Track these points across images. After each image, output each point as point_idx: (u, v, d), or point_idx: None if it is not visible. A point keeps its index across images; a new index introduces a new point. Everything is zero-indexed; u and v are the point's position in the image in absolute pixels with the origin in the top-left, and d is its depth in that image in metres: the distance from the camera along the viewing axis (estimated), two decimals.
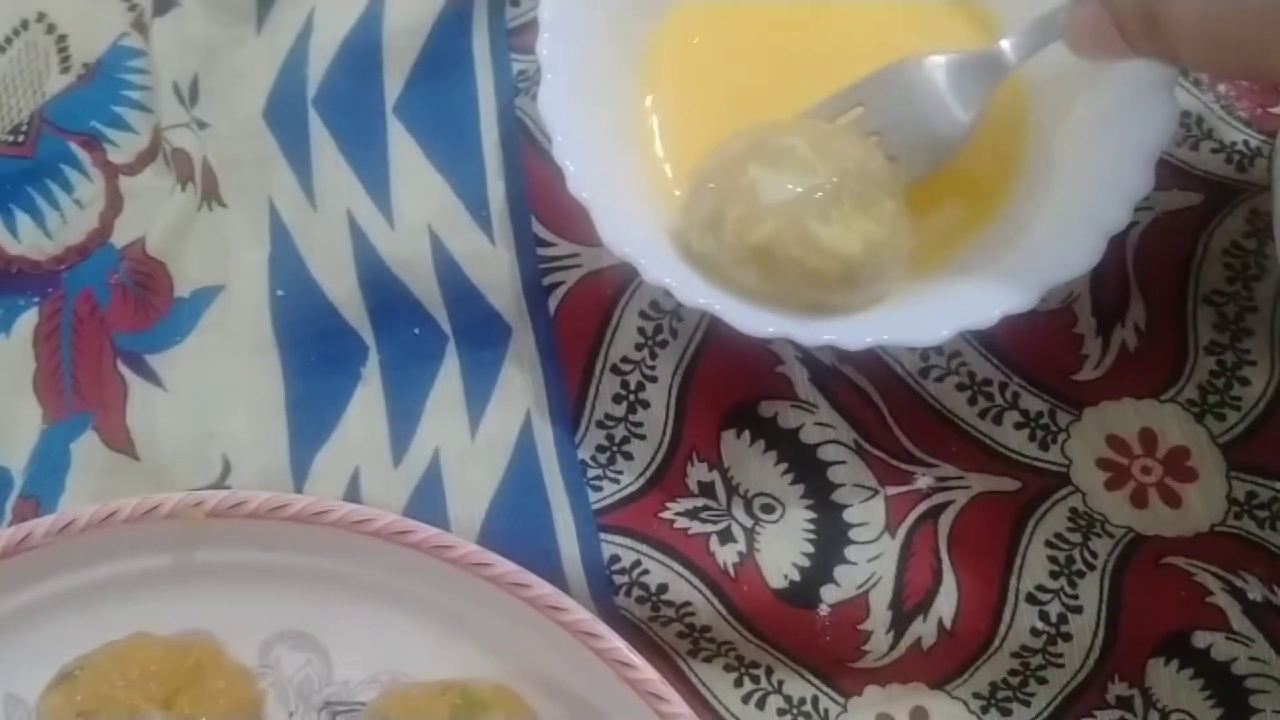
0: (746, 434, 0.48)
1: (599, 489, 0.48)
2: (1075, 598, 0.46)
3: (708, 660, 0.48)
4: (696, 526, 0.48)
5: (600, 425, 0.49)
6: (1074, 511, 0.47)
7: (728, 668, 0.48)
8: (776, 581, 0.47)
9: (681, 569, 0.47)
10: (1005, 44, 0.44)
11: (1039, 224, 0.44)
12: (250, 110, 0.54)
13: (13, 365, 0.53)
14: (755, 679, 0.48)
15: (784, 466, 0.48)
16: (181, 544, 0.48)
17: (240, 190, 0.54)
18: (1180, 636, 0.46)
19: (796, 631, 0.47)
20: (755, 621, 0.47)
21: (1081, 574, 0.47)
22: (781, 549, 0.47)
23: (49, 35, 0.57)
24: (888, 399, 0.49)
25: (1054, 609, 0.46)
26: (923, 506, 0.47)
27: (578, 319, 0.50)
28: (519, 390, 0.50)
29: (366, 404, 0.50)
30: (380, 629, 0.48)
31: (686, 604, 0.47)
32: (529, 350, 0.50)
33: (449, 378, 0.50)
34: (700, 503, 0.48)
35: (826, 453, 0.48)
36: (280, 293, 0.52)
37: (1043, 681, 0.47)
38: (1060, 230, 0.44)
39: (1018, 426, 0.48)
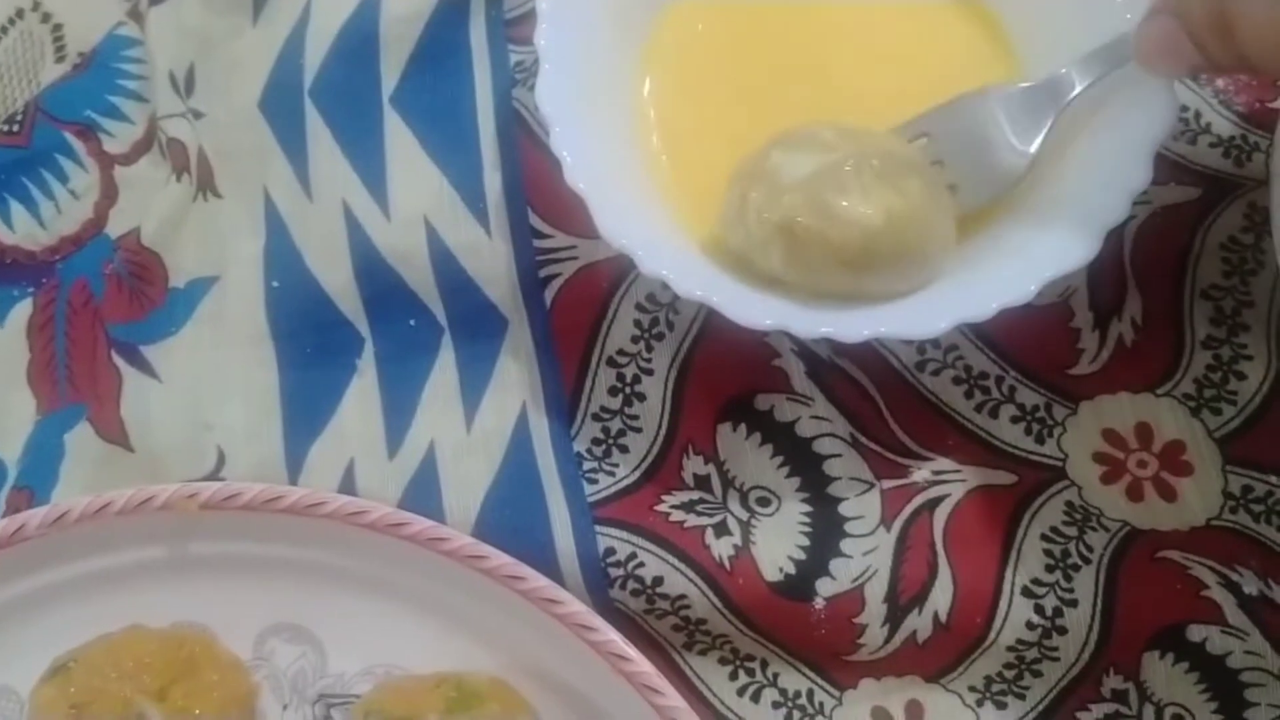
0: (743, 427, 0.48)
1: (594, 481, 0.48)
2: (1070, 591, 0.46)
3: (703, 653, 0.48)
4: (692, 519, 0.48)
5: (596, 418, 0.49)
6: (1070, 505, 0.47)
7: (723, 660, 0.48)
8: (772, 574, 0.46)
9: (677, 562, 0.47)
10: (1067, 73, 0.44)
11: (1036, 217, 0.44)
12: (246, 100, 0.54)
13: (7, 356, 0.53)
14: (750, 672, 0.48)
15: (780, 460, 0.48)
16: (176, 536, 0.48)
17: (236, 181, 0.54)
18: (1176, 630, 0.46)
19: (792, 624, 0.47)
20: (750, 614, 0.47)
21: (1077, 567, 0.47)
22: (777, 542, 0.47)
23: (44, 24, 0.57)
24: (884, 392, 0.48)
25: (1049, 602, 0.46)
26: (918, 500, 0.47)
27: (574, 311, 0.50)
28: (514, 382, 0.50)
29: (362, 396, 0.50)
30: (375, 621, 0.48)
31: (682, 597, 0.47)
32: (525, 342, 0.50)
33: (444, 370, 0.50)
34: (696, 495, 0.48)
35: (822, 446, 0.48)
36: (275, 284, 0.52)
37: (1038, 675, 0.47)
38: (1058, 224, 0.43)
39: (1014, 420, 0.48)
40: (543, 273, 0.50)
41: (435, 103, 0.53)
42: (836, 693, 0.48)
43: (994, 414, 0.48)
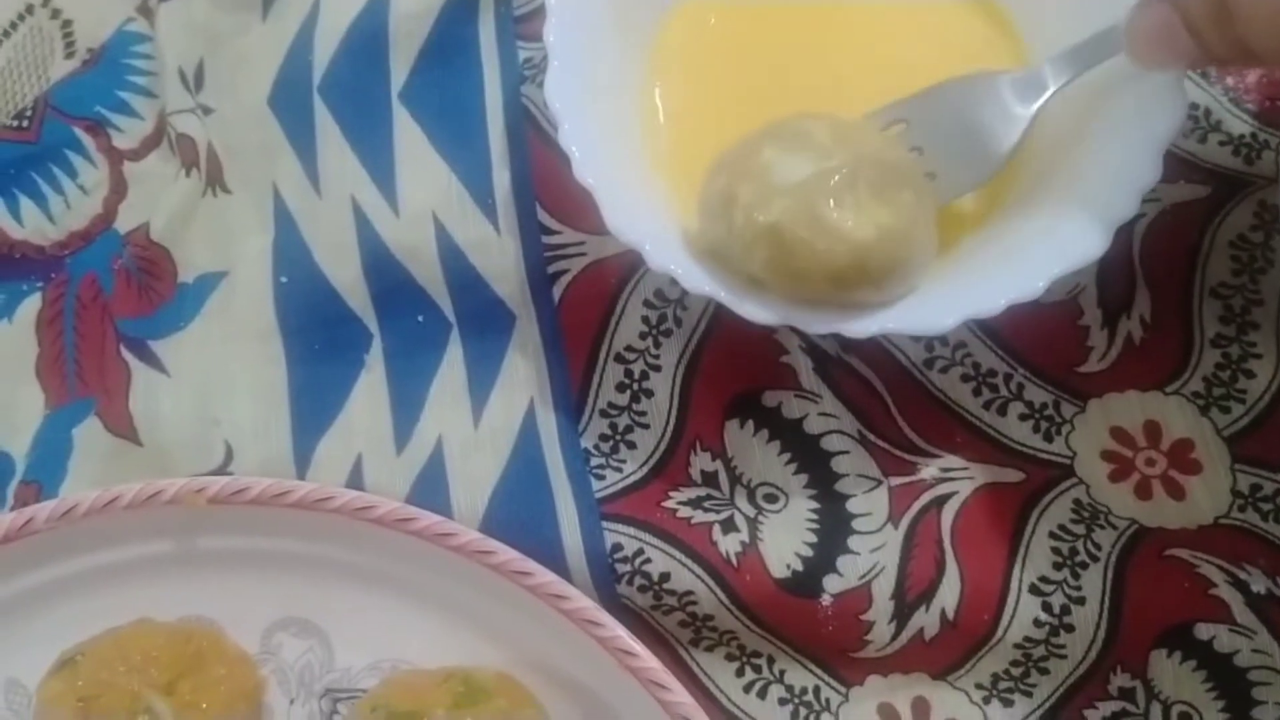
0: (750, 424, 0.48)
1: (602, 478, 0.48)
2: (1078, 589, 0.46)
3: (709, 649, 0.48)
4: (699, 516, 0.48)
5: (603, 414, 0.49)
6: (1078, 503, 0.47)
7: (729, 657, 0.48)
8: (779, 571, 0.46)
9: (684, 558, 0.47)
10: (1051, 64, 0.44)
11: (1046, 214, 0.44)
12: (255, 96, 0.54)
13: (16, 350, 0.53)
14: (757, 668, 0.48)
15: (787, 456, 0.48)
16: (183, 530, 0.48)
17: (245, 176, 0.54)
18: (1183, 628, 0.46)
19: (798, 621, 0.47)
20: (757, 611, 0.47)
21: (1085, 565, 0.46)
22: (784, 539, 0.47)
23: (54, 20, 0.57)
24: (892, 389, 0.48)
25: (1057, 600, 0.46)
26: (926, 497, 0.47)
27: (582, 307, 0.50)
28: (522, 378, 0.50)
29: (370, 391, 0.50)
30: (382, 616, 0.48)
31: (689, 593, 0.47)
32: (533, 338, 0.50)
33: (452, 365, 0.50)
34: (703, 492, 0.48)
35: (830, 443, 0.48)
36: (284, 279, 0.52)
37: (1045, 672, 0.47)
38: (1067, 220, 0.43)
39: (1022, 418, 0.48)
40: (551, 269, 0.50)
41: (444, 99, 0.53)
42: (843, 689, 0.48)
43: (1002, 411, 0.48)
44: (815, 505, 0.47)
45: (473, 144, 0.52)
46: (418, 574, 0.47)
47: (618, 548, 0.47)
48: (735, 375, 0.49)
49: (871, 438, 0.48)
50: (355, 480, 0.49)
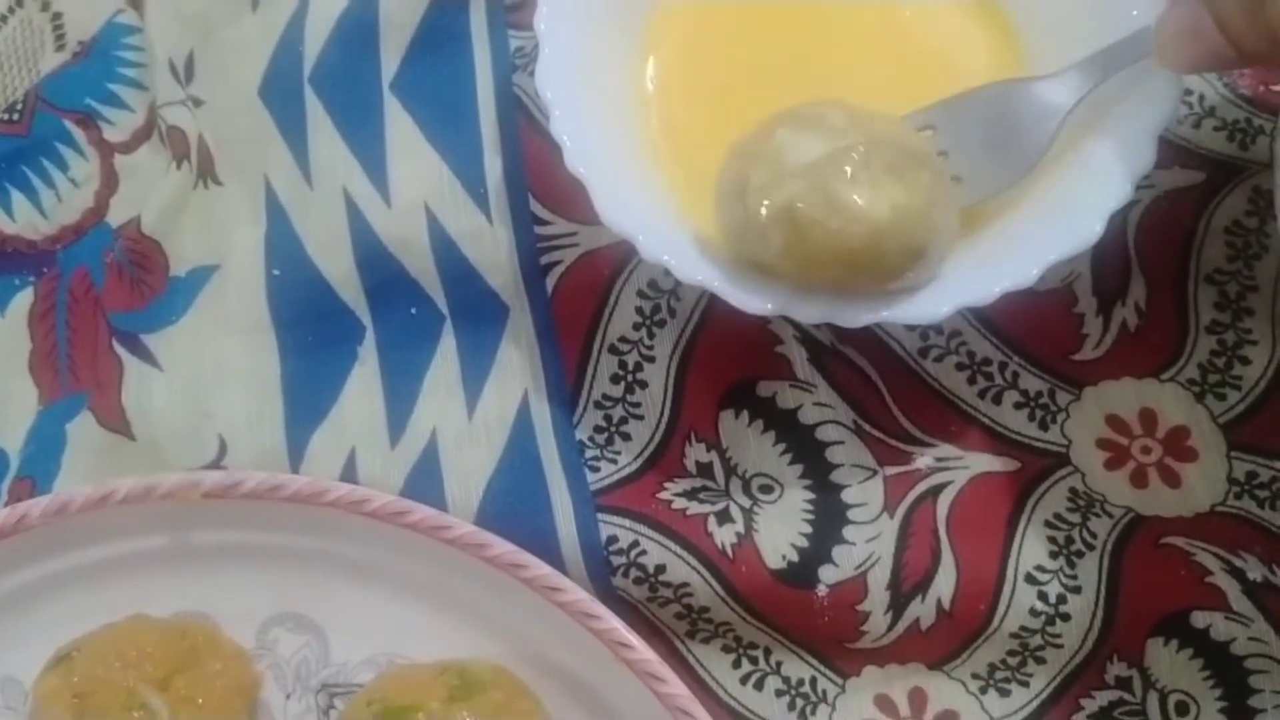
0: (745, 414, 0.48)
1: (597, 469, 0.48)
2: (1074, 578, 0.46)
3: (705, 641, 0.48)
4: (694, 507, 0.47)
5: (598, 405, 0.49)
6: (1073, 491, 0.47)
7: (726, 648, 0.48)
8: (774, 562, 0.46)
9: (679, 549, 0.47)
10: (1078, 69, 0.43)
11: (1039, 201, 0.44)
12: (246, 88, 0.54)
13: (8, 345, 0.53)
14: (753, 660, 0.48)
15: (782, 447, 0.48)
16: (178, 525, 0.48)
17: (236, 168, 0.54)
18: (1179, 616, 0.46)
19: (795, 612, 0.47)
20: (753, 602, 0.47)
21: (1081, 554, 0.46)
22: (780, 529, 0.47)
23: (44, 12, 0.57)
24: (887, 379, 0.48)
25: (1053, 589, 0.46)
26: (921, 486, 0.47)
27: (575, 298, 0.50)
28: (516, 370, 0.50)
29: (363, 384, 0.50)
30: (378, 610, 0.48)
31: (684, 584, 0.47)
32: (526, 330, 0.50)
33: (446, 357, 0.50)
34: (698, 483, 0.48)
35: (825, 433, 0.48)
36: (276, 272, 0.52)
37: (1041, 662, 0.47)
38: (1061, 207, 0.43)
39: (1017, 406, 0.48)
40: (544, 260, 0.50)
41: (436, 89, 0.53)
42: (840, 680, 0.48)
43: (997, 400, 0.48)
44: (810, 496, 0.47)
45: (464, 134, 0.52)
46: (413, 567, 0.47)
47: (613, 540, 0.47)
48: (730, 366, 0.49)
49: (866, 427, 0.48)
50: (349, 473, 0.49)
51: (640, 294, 0.49)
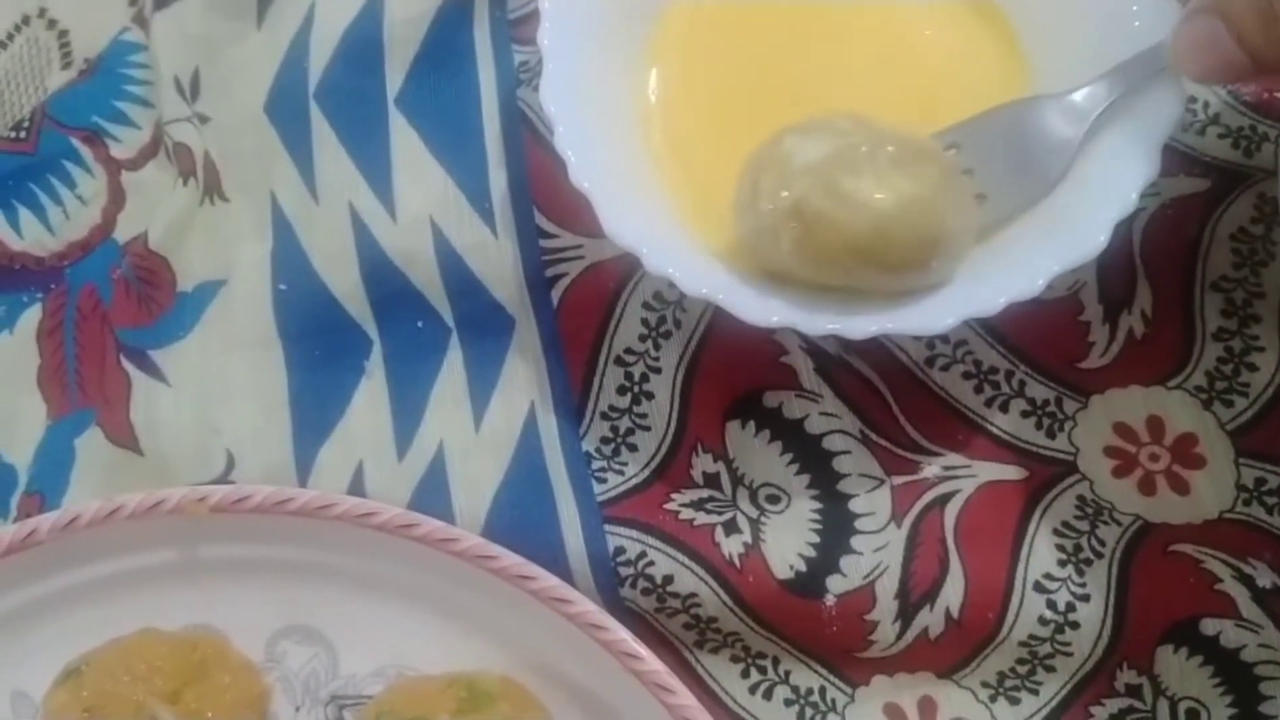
0: (751, 424, 0.48)
1: (604, 481, 0.48)
2: (1083, 586, 0.46)
3: (714, 651, 0.48)
4: (702, 518, 0.47)
5: (604, 417, 0.49)
6: (1081, 499, 0.47)
7: (734, 658, 0.48)
8: (782, 572, 0.46)
9: (687, 560, 0.47)
10: (1097, 85, 0.43)
11: (1045, 212, 0.44)
12: (252, 104, 0.54)
13: (17, 362, 0.53)
14: (762, 670, 0.48)
15: (789, 457, 0.48)
16: (186, 539, 0.48)
17: (242, 184, 0.54)
18: (1189, 624, 0.46)
19: (803, 622, 0.47)
20: (761, 612, 0.47)
21: (1089, 562, 0.46)
22: (787, 539, 0.47)
23: (50, 31, 0.57)
24: (893, 388, 0.48)
25: (1062, 597, 0.46)
26: (929, 496, 0.47)
27: (581, 311, 0.50)
28: (523, 382, 0.50)
29: (370, 397, 0.50)
30: (386, 623, 0.48)
31: (692, 595, 0.47)
32: (532, 342, 0.50)
33: (452, 370, 0.50)
34: (705, 494, 0.48)
35: (832, 443, 0.47)
36: (283, 287, 0.52)
37: (1051, 670, 0.47)
38: (1066, 218, 0.43)
39: (1024, 415, 0.48)
40: (549, 272, 0.50)
41: (440, 104, 0.53)
42: (849, 690, 0.48)
43: (1004, 409, 0.48)
44: (818, 505, 0.47)
45: (469, 148, 0.52)
46: (421, 580, 0.47)
47: (620, 551, 0.47)
48: (736, 376, 0.49)
49: (873, 437, 0.48)
50: (357, 487, 0.49)
51: (645, 306, 0.49)
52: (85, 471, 0.51)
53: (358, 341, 0.51)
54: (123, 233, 0.54)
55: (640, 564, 0.47)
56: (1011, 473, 0.47)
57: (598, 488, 0.48)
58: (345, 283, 0.51)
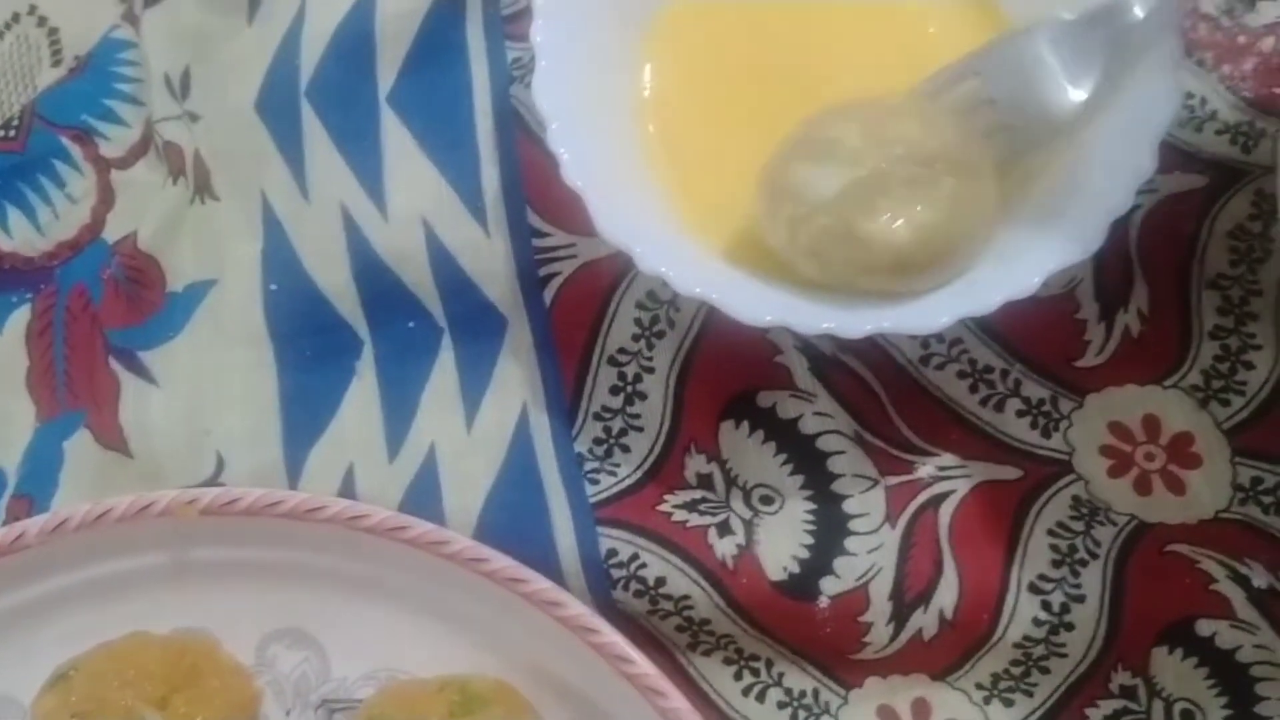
0: (745, 425, 0.48)
1: (596, 482, 0.48)
2: (1078, 587, 0.46)
3: (707, 653, 0.48)
4: (695, 519, 0.47)
5: (597, 417, 0.49)
6: (1076, 499, 0.47)
7: (727, 661, 0.48)
8: (776, 573, 0.46)
9: (680, 562, 0.47)
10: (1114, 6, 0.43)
11: (1040, 208, 0.44)
12: (242, 102, 0.54)
13: (5, 363, 0.53)
14: (755, 671, 0.48)
15: (783, 457, 0.47)
16: (176, 542, 0.48)
17: (233, 183, 0.53)
18: (1184, 625, 0.46)
19: (796, 624, 0.46)
20: (754, 614, 0.46)
21: (1084, 563, 0.46)
22: (781, 541, 0.47)
23: (40, 28, 0.57)
24: (888, 388, 0.48)
25: (1056, 598, 0.46)
26: (923, 496, 0.47)
27: (574, 310, 0.49)
28: (515, 383, 0.50)
29: (361, 398, 0.50)
30: (377, 625, 0.48)
31: (685, 597, 0.47)
32: (525, 342, 0.50)
33: (444, 371, 0.50)
34: (699, 495, 0.48)
35: (826, 443, 0.47)
36: (273, 286, 0.51)
37: (1045, 671, 0.46)
38: (1062, 215, 0.43)
39: (1019, 414, 0.48)
40: (542, 271, 0.50)
41: (432, 101, 0.52)
42: (842, 692, 0.47)
43: (999, 408, 0.48)
44: (812, 506, 0.47)
45: (461, 146, 0.52)
46: (412, 582, 0.47)
47: (613, 553, 0.47)
48: (729, 376, 0.48)
49: (868, 437, 0.48)
50: (348, 488, 0.49)
51: (639, 305, 0.49)
52: (74, 474, 0.51)
53: (349, 342, 0.51)
54: (112, 232, 0.54)
55: (633, 566, 0.47)
56: (1006, 473, 0.47)
57: (590, 489, 0.48)
58: (336, 282, 0.51)
